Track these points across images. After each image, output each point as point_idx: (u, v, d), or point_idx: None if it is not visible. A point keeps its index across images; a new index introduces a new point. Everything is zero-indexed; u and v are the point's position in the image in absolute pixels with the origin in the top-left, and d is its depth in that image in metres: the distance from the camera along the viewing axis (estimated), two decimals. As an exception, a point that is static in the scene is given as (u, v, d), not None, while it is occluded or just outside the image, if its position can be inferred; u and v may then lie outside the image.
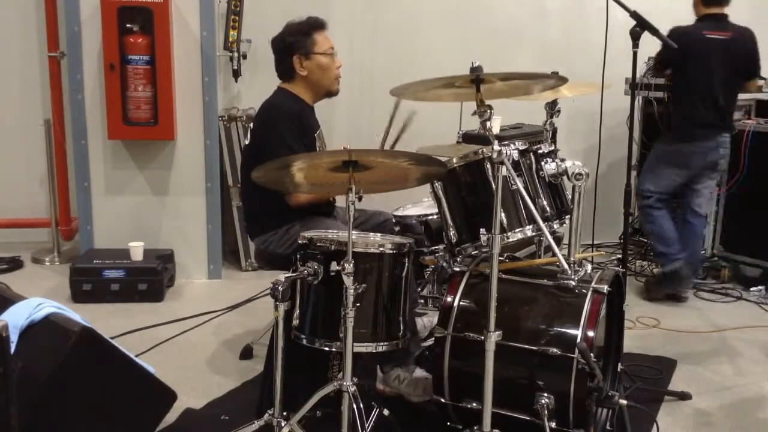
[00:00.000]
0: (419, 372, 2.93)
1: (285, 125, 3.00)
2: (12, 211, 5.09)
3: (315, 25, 3.12)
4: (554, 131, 3.55)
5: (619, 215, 3.35)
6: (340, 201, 2.82)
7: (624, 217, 3.26)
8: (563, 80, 2.52)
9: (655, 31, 3.15)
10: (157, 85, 4.24)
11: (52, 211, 4.95)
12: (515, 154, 2.62)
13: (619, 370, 2.86)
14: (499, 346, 2.34)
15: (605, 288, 2.48)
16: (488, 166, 2.55)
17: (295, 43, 3.09)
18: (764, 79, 4.71)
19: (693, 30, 4.12)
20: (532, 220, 2.56)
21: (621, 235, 4.48)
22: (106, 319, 3.79)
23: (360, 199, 2.32)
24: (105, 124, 4.33)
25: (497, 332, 2.32)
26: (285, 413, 2.45)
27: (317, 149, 3.12)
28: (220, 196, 4.67)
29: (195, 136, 4.48)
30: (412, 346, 2.86)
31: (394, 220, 3.27)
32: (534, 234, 2.61)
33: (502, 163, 2.31)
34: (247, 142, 3.26)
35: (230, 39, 4.70)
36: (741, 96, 4.64)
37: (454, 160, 2.63)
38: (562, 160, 2.70)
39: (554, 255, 2.50)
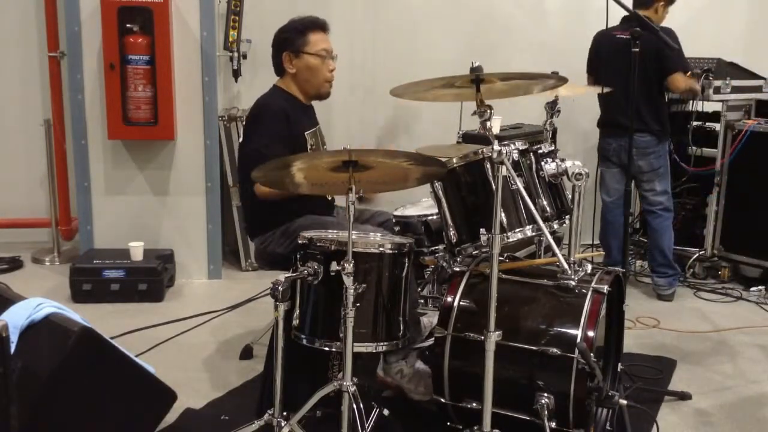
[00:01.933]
0: (421, 366, 2.93)
1: (267, 122, 2.97)
2: (12, 211, 5.09)
3: (312, 25, 3.09)
4: (554, 131, 3.56)
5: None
6: (340, 201, 2.82)
7: (624, 217, 3.26)
8: (563, 80, 2.52)
9: (654, 31, 3.15)
10: (157, 85, 4.24)
11: (52, 211, 4.95)
12: (515, 154, 2.62)
13: (619, 370, 2.86)
14: (499, 346, 2.33)
15: (605, 288, 2.48)
16: (488, 166, 2.55)
17: (288, 39, 3.08)
18: (764, 79, 4.72)
19: (608, 31, 4.12)
20: (532, 220, 2.56)
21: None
22: (106, 319, 3.79)
23: (360, 199, 2.32)
24: (105, 124, 4.33)
25: (497, 332, 2.32)
26: (285, 413, 2.45)
27: (308, 148, 3.09)
28: (220, 196, 4.68)
29: (195, 136, 4.48)
30: (414, 335, 2.84)
31: (394, 220, 3.27)
32: (534, 234, 2.61)
33: (502, 163, 2.31)
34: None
35: (230, 39, 4.70)
36: (741, 96, 4.64)
37: (454, 160, 2.63)
38: (562, 160, 2.70)
39: (554, 255, 2.50)
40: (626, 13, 4.14)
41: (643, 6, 4.18)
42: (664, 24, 4.22)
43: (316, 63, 3.08)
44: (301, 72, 3.09)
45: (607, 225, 4.43)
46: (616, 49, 4.09)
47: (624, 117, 4.13)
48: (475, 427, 2.39)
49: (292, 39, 3.07)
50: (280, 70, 3.14)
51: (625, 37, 4.04)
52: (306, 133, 3.11)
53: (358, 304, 2.32)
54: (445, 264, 2.98)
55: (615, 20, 4.06)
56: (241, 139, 3.24)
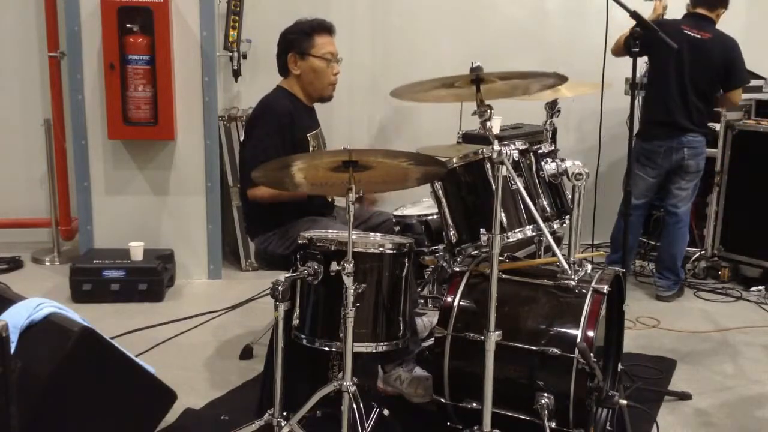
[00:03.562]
0: (420, 372, 2.93)
1: (268, 124, 2.99)
2: (12, 211, 5.09)
3: (318, 27, 3.10)
4: (554, 131, 3.56)
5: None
6: (340, 201, 2.82)
7: (624, 217, 3.26)
8: (563, 79, 2.51)
9: (654, 31, 3.15)
10: (157, 85, 4.24)
11: (52, 211, 4.95)
12: (515, 154, 2.62)
13: (619, 370, 2.86)
14: (499, 346, 2.33)
15: (605, 288, 2.48)
16: (488, 166, 2.55)
17: (294, 41, 3.09)
18: (764, 79, 4.72)
19: (671, 22, 4.07)
20: (532, 220, 2.56)
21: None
22: (106, 319, 3.79)
23: (360, 199, 2.33)
24: (105, 124, 4.33)
25: (497, 332, 2.32)
26: (285, 413, 2.45)
27: (310, 149, 3.10)
28: (220, 196, 4.68)
29: (195, 136, 4.48)
30: (411, 345, 2.86)
31: (394, 220, 3.27)
32: (534, 234, 2.61)
33: (502, 163, 2.31)
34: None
35: (230, 39, 4.70)
36: (741, 96, 4.64)
37: (454, 160, 2.63)
38: (562, 160, 2.70)
39: (554, 255, 2.50)
40: (693, 11, 4.12)
41: (707, 6, 4.14)
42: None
43: (321, 66, 3.08)
44: (306, 74, 3.10)
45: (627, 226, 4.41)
46: (681, 44, 3.95)
47: (682, 117, 4.12)
48: (475, 427, 2.39)
49: (298, 40, 3.07)
50: (284, 70, 3.14)
51: (694, 35, 3.98)
52: (308, 135, 3.12)
53: (358, 304, 2.32)
54: (445, 264, 2.98)
55: (615, 20, 4.04)
56: (242, 139, 3.25)
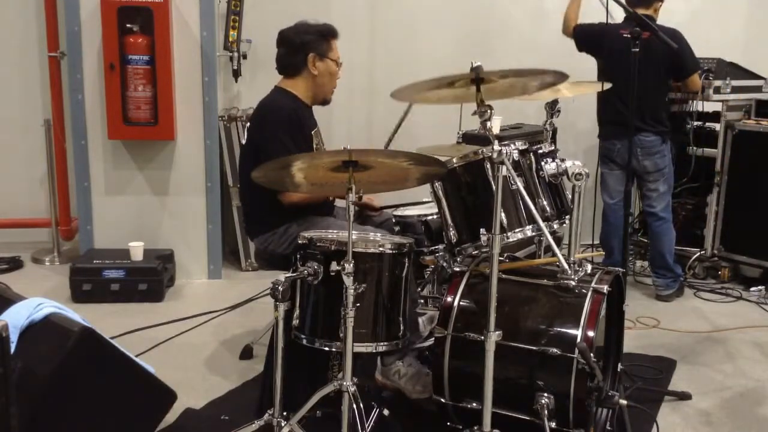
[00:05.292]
0: (419, 367, 2.93)
1: (280, 125, 3.00)
2: (12, 211, 5.09)
3: (331, 32, 3.15)
4: (554, 131, 3.55)
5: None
6: (340, 200, 2.82)
7: (624, 217, 3.26)
8: (563, 76, 2.50)
9: (654, 31, 3.15)
10: (157, 85, 4.24)
11: (52, 211, 4.95)
12: (515, 154, 2.62)
13: (619, 370, 2.86)
14: (499, 346, 2.33)
15: (605, 288, 2.48)
16: (488, 166, 2.55)
17: (313, 42, 3.10)
18: (764, 79, 4.72)
19: (613, 28, 4.09)
20: (532, 220, 2.56)
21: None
22: (106, 319, 3.79)
23: (360, 199, 2.33)
24: (105, 124, 4.33)
25: (497, 332, 2.32)
26: (285, 413, 2.45)
27: (314, 147, 3.12)
28: (220, 196, 4.68)
29: (195, 136, 4.48)
30: (412, 337, 2.85)
31: (394, 220, 3.27)
32: (534, 234, 2.61)
33: (502, 163, 2.30)
34: (244, 141, 3.27)
35: (230, 39, 4.70)
36: (741, 96, 4.64)
37: (454, 160, 2.64)
38: (562, 160, 2.70)
39: (554, 255, 2.50)
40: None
41: (643, 5, 4.16)
42: (662, 23, 4.21)
43: (335, 69, 3.15)
44: (322, 75, 3.13)
45: (609, 227, 4.42)
46: (620, 49, 4.02)
47: (633, 116, 4.13)
48: (475, 427, 2.39)
49: (317, 42, 3.11)
50: (295, 70, 3.13)
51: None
52: (312, 132, 3.14)
53: (358, 304, 2.32)
54: (445, 264, 2.98)
55: (615, 20, 4.06)
56: (244, 141, 3.25)
